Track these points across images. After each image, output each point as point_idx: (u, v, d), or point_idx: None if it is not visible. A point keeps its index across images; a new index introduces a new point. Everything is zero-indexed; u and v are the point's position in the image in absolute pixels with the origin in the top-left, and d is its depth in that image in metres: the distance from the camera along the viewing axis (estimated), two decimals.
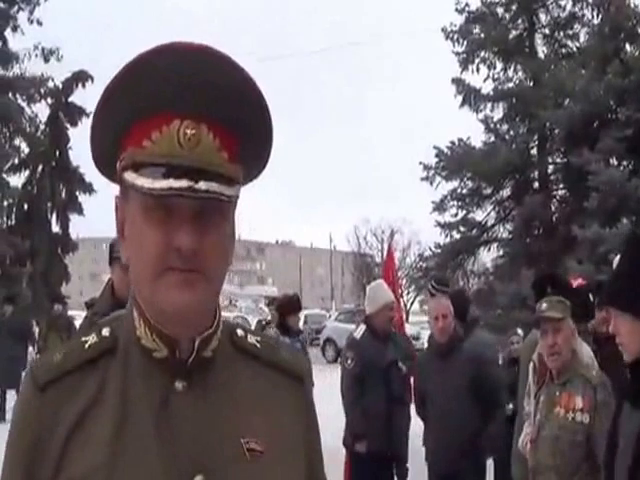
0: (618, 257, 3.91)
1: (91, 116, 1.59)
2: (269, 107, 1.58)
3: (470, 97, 20.54)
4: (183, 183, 1.43)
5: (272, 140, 1.64)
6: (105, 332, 1.62)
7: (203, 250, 1.48)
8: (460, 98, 20.68)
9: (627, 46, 16.65)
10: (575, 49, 20.70)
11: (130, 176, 1.49)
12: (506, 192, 20.76)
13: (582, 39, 20.47)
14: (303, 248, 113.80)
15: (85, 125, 28.19)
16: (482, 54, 20.95)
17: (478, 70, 20.94)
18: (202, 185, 1.44)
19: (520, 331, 9.16)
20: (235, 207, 1.59)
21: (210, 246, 1.50)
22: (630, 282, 3.46)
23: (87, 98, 28.47)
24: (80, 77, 28.73)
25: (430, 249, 21.93)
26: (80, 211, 29.31)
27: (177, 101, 1.48)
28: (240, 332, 1.72)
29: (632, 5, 17.30)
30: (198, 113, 1.48)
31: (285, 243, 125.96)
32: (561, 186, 19.93)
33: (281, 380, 1.69)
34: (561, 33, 21.48)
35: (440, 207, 20.65)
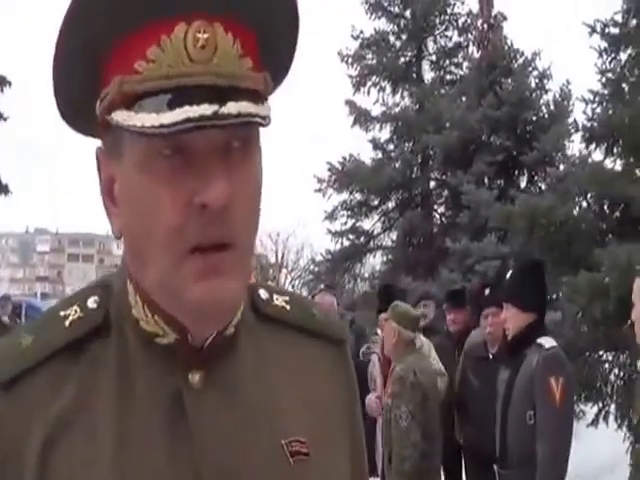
0: (510, 272, 5.46)
1: (53, 46, 1.12)
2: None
3: (361, 118, 21.91)
4: (205, 109, 1.02)
5: (298, 35, 1.22)
6: (91, 303, 1.22)
7: (236, 201, 1.09)
8: (352, 118, 22.01)
9: (502, 79, 18.20)
10: (459, 76, 22.33)
11: (121, 115, 1.08)
12: (392, 204, 22.26)
13: (465, 68, 22.09)
14: None
15: (2, 128, 28.64)
16: (373, 78, 22.35)
17: (369, 93, 22.38)
18: (231, 107, 1.04)
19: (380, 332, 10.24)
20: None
21: (244, 192, 1.11)
22: (513, 287, 5.20)
23: (5, 103, 28.86)
24: None
25: (321, 254, 23.37)
26: None
27: None
28: (264, 294, 1.35)
29: (508, 43, 19.02)
30: (210, 9, 1.07)
31: None
32: (441, 201, 21.59)
33: (319, 348, 1.35)
34: (447, 61, 23.11)
35: (331, 216, 22.06)
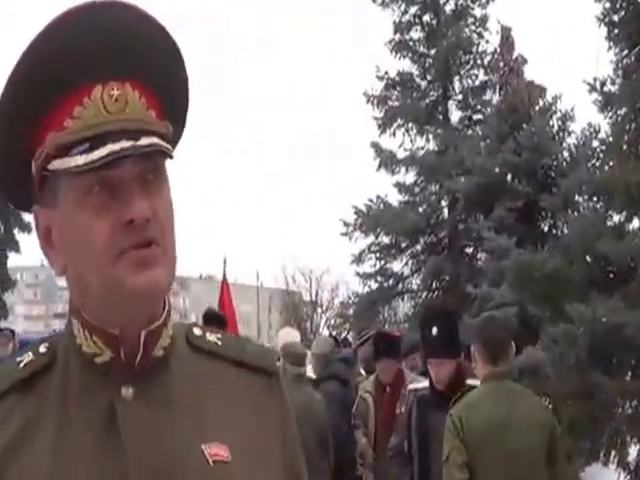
0: (434, 328, 6.30)
1: None
2: (183, 58, 1.56)
3: (386, 161, 23.74)
4: (124, 144, 1.37)
5: (189, 96, 1.61)
6: (42, 349, 1.53)
7: (155, 217, 1.42)
8: (377, 161, 23.86)
9: (524, 125, 19.72)
10: (485, 116, 23.99)
11: (57, 164, 1.40)
12: (420, 247, 24.09)
13: (489, 111, 23.78)
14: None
15: None
16: (399, 120, 24.21)
17: (394, 135, 24.28)
18: (144, 141, 1.39)
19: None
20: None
21: (162, 211, 1.45)
22: (440, 342, 6.22)
23: None
24: None
25: (349, 297, 25.19)
26: (17, 249, 31.56)
27: (92, 67, 1.41)
28: (197, 331, 1.63)
29: (529, 87, 20.56)
30: (119, 74, 1.43)
31: (209, 278, 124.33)
32: (467, 245, 23.40)
33: (248, 378, 1.60)
34: (474, 100, 24.92)
35: (358, 259, 23.96)
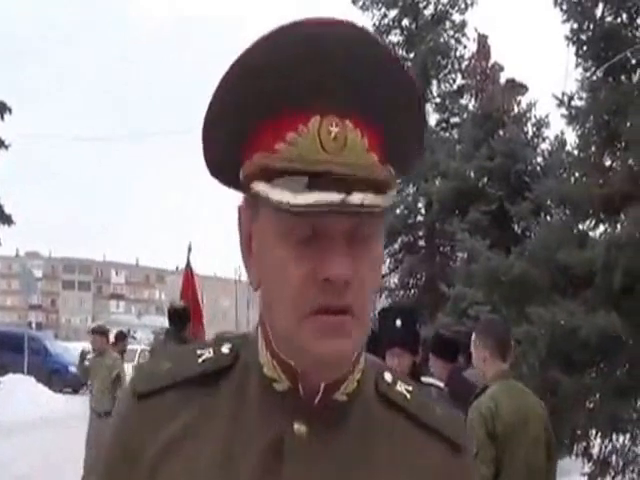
0: (399, 321, 6.31)
1: (205, 112, 1.40)
2: (420, 95, 1.44)
3: None
4: (333, 197, 1.25)
5: (422, 140, 1.50)
6: (225, 349, 1.51)
7: (357, 281, 1.32)
8: None
9: (500, 131, 20.46)
10: (461, 121, 24.88)
11: (261, 187, 1.32)
12: (399, 245, 25.03)
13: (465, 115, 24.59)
14: (206, 277, 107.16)
15: (2, 156, 30.27)
16: None
17: None
18: (356, 198, 1.27)
19: None
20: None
21: (363, 275, 1.34)
22: (403, 334, 6.21)
23: (5, 130, 30.59)
24: None
25: None
26: None
27: (314, 94, 1.31)
28: (388, 377, 1.54)
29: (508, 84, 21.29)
30: (341, 107, 1.32)
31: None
32: (442, 246, 24.28)
33: (431, 443, 1.49)
34: (451, 104, 25.83)
35: None
